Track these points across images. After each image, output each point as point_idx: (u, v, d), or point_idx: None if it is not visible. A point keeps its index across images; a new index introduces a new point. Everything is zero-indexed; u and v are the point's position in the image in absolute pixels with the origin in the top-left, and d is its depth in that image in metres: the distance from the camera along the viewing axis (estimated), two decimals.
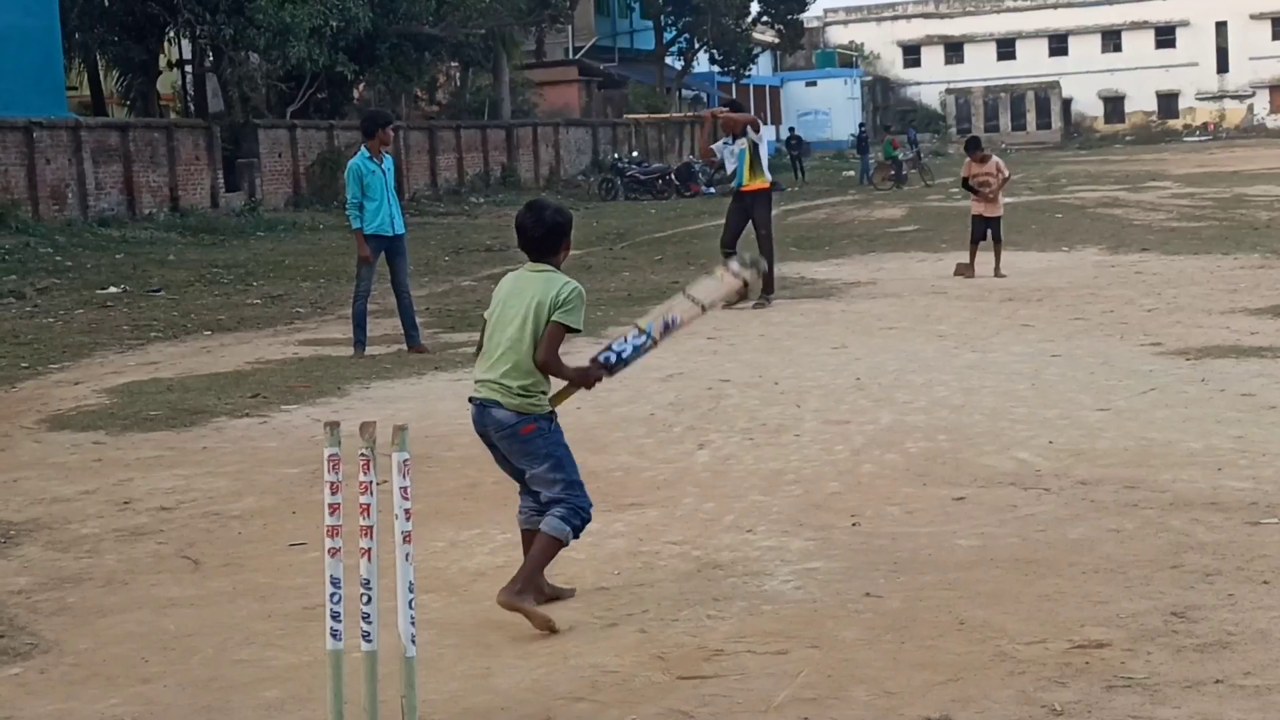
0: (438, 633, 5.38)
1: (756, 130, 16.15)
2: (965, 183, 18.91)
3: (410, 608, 4.32)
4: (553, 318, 5.45)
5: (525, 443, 5.53)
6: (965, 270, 18.11)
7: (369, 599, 4.31)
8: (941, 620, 5.35)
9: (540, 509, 5.63)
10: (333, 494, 4.37)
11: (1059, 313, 14.22)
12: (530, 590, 5.50)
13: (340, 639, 4.35)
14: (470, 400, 5.62)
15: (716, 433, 9.09)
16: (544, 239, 5.63)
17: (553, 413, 5.60)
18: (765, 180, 16.12)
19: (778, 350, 12.54)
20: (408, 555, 4.33)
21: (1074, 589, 5.65)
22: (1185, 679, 4.67)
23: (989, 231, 18.29)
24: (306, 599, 5.86)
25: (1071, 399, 9.63)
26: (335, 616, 4.35)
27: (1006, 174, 18.91)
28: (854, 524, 6.81)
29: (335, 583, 4.35)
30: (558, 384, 5.65)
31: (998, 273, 17.94)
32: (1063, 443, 8.30)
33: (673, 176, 44.73)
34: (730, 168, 16.33)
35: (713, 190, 42.87)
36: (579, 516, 5.57)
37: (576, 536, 5.60)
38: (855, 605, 5.59)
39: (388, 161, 13.32)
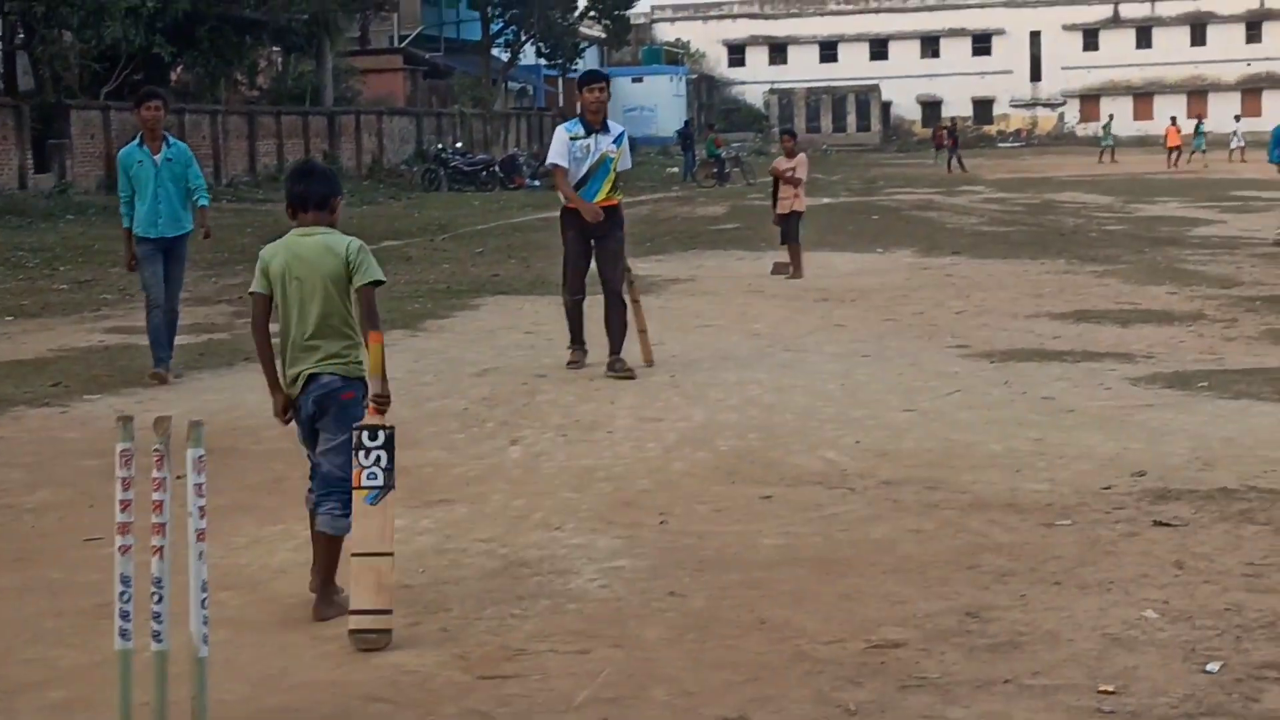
0: (234, 631, 5.27)
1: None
2: (776, 182, 18.45)
3: (203, 607, 4.23)
4: (359, 283, 5.45)
5: (343, 409, 5.44)
6: (783, 268, 18.19)
7: (160, 598, 4.21)
8: (743, 619, 5.40)
9: None
10: (124, 490, 4.26)
11: (871, 314, 14.46)
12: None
13: (130, 638, 4.25)
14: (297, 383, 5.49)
15: (530, 428, 9.07)
16: (322, 189, 5.60)
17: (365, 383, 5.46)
18: (620, 196, 11.26)
19: (594, 346, 12.53)
20: (201, 554, 4.24)
21: (873, 589, 5.74)
22: (976, 679, 4.77)
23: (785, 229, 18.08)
24: (99, 596, 5.67)
25: (879, 399, 9.80)
26: (125, 615, 4.24)
27: (801, 176, 18.25)
28: (662, 522, 6.84)
29: (125, 581, 4.24)
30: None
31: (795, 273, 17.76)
32: (869, 443, 8.44)
33: (497, 168, 44.51)
34: (582, 171, 10.92)
35: (537, 183, 42.75)
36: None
37: None
38: (659, 604, 5.62)
39: (174, 150, 10.92)
